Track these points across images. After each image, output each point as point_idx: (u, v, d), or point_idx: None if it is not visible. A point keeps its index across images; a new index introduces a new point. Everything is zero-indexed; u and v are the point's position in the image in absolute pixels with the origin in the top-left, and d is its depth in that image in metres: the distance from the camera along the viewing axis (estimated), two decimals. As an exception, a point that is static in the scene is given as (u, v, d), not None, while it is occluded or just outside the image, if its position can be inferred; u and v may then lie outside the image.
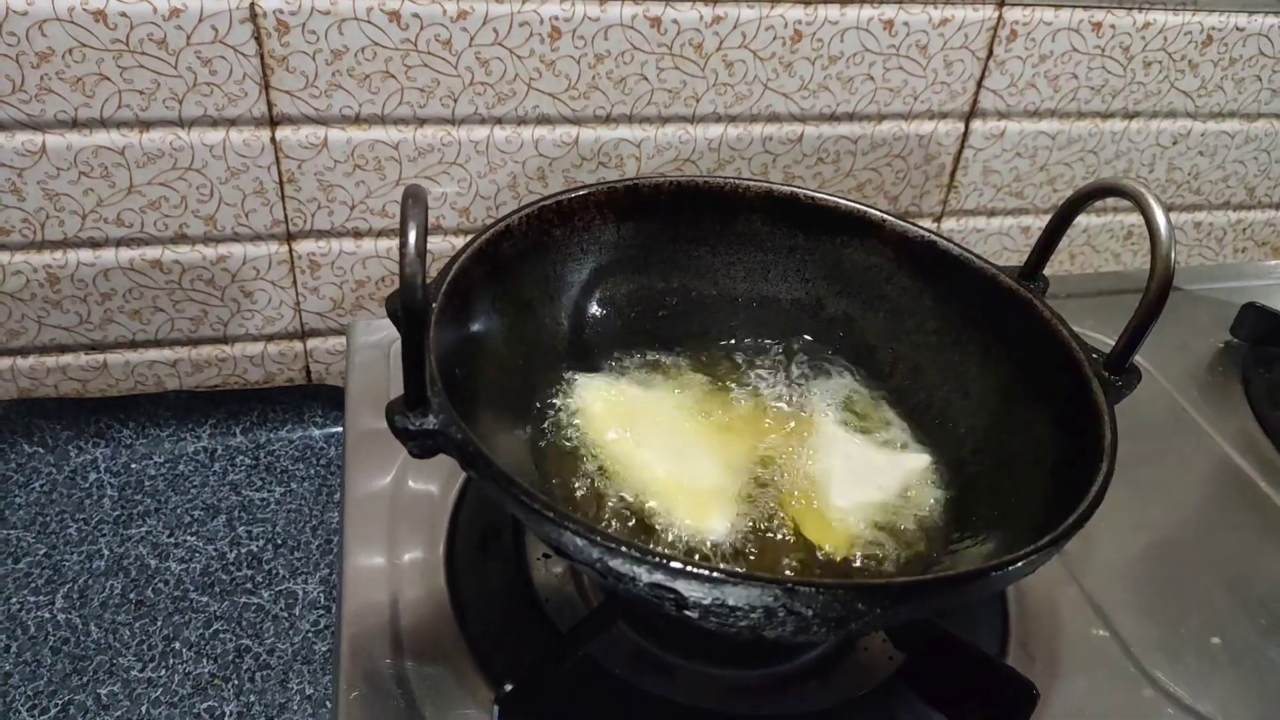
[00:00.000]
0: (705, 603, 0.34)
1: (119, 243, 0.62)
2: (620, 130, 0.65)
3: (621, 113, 0.64)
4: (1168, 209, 0.42)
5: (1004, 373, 0.49)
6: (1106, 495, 0.39)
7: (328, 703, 0.58)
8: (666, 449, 0.48)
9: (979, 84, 0.70)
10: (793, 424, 0.51)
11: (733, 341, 0.57)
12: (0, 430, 0.69)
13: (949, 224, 0.77)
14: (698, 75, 0.64)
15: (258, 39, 0.56)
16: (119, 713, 0.56)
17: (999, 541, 0.43)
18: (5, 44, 0.53)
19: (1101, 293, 0.77)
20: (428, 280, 0.36)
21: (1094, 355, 0.44)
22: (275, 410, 0.74)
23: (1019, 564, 0.34)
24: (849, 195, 0.72)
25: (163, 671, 0.58)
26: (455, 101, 0.61)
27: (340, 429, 0.74)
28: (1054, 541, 0.35)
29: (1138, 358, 0.69)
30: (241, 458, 0.71)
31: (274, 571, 0.64)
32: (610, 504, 0.46)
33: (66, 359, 0.66)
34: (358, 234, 0.66)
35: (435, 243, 0.68)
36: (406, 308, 0.35)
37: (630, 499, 0.46)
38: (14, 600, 0.61)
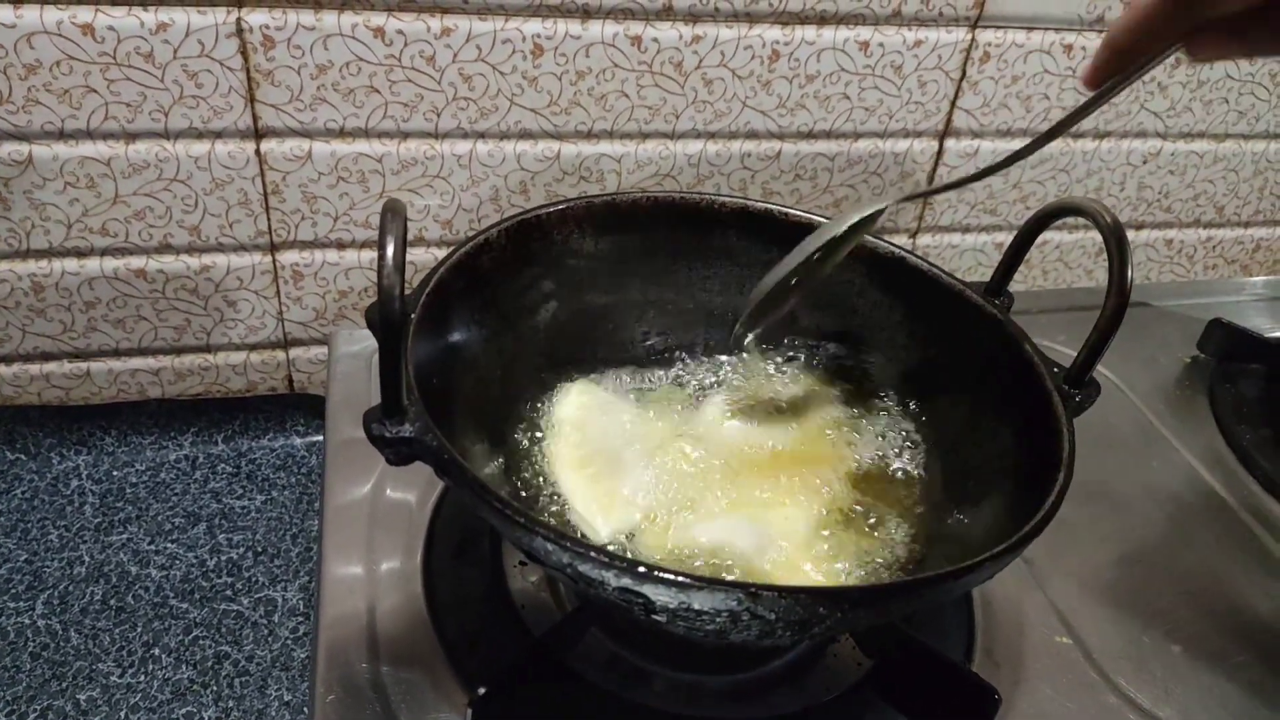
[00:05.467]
0: (672, 607, 0.34)
1: (104, 252, 0.63)
2: (601, 145, 0.66)
3: (602, 128, 0.65)
4: (1124, 227, 0.44)
5: (969, 386, 0.50)
6: (1072, 506, 0.40)
7: (305, 709, 0.58)
8: (607, 453, 0.50)
9: (953, 104, 0.71)
10: (747, 447, 0.51)
11: (706, 355, 0.58)
12: (-18, 437, 0.69)
13: (924, 240, 0.79)
14: (677, 93, 0.65)
15: (243, 53, 0.57)
16: (98, 718, 0.56)
17: (963, 549, 0.44)
18: (-7, 56, 0.54)
19: (1073, 308, 0.79)
20: (406, 291, 0.37)
21: (1055, 369, 0.46)
22: (257, 419, 0.74)
23: (975, 570, 0.35)
24: (825, 211, 0.73)
25: (142, 677, 0.59)
26: (438, 116, 0.62)
27: (322, 438, 0.74)
28: (1010, 549, 0.36)
29: (1108, 373, 0.71)
30: (223, 466, 0.72)
31: (254, 579, 0.65)
32: (540, 500, 0.48)
33: (50, 367, 0.67)
34: (341, 245, 0.66)
35: (418, 255, 0.69)
36: (384, 318, 0.35)
37: (553, 494, 0.48)
38: (-6, 606, 0.61)
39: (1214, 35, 0.36)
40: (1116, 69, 0.38)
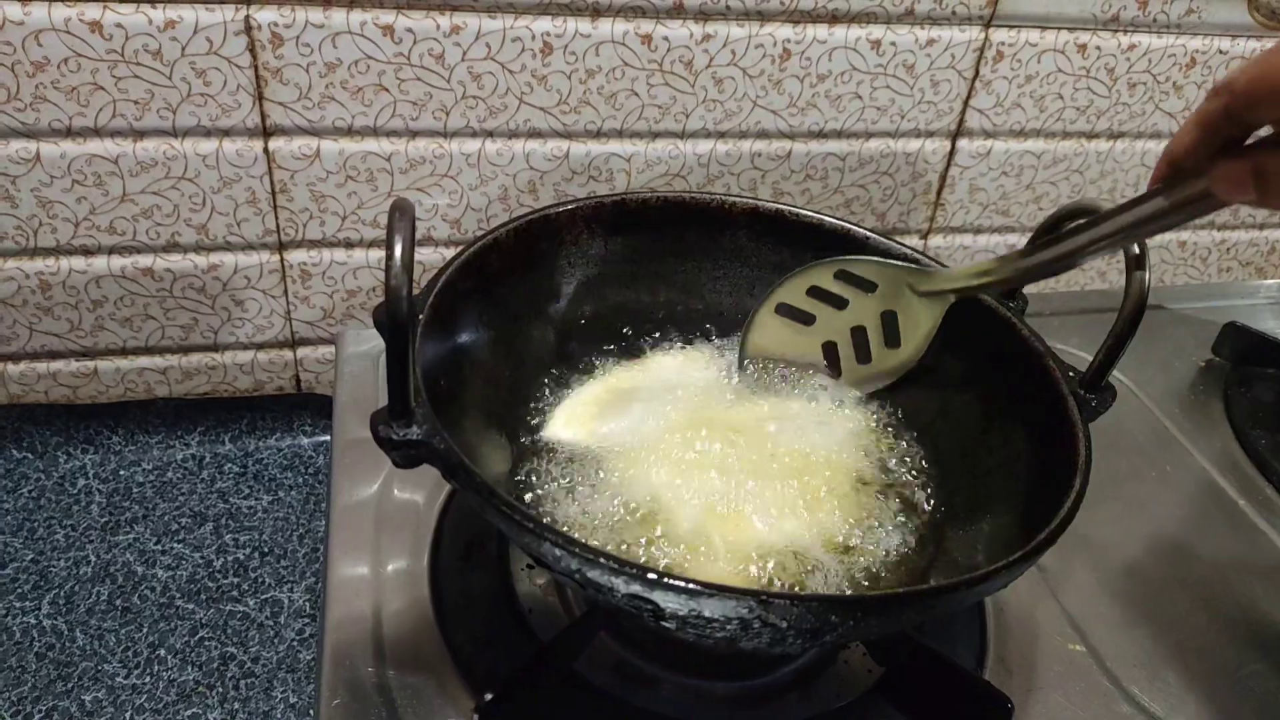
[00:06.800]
0: (682, 614, 0.34)
1: (111, 250, 0.62)
2: (611, 145, 0.66)
3: (612, 127, 0.65)
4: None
5: (983, 390, 0.50)
6: (1085, 512, 0.39)
7: (311, 711, 0.58)
8: (632, 397, 0.52)
9: (965, 103, 0.70)
10: (748, 448, 0.51)
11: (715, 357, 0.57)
12: (-10, 435, 0.69)
13: (936, 241, 0.78)
14: (688, 91, 0.65)
15: (252, 51, 0.57)
16: (103, 719, 0.56)
17: (976, 556, 0.43)
18: (1, 53, 0.54)
19: (1086, 311, 0.78)
20: (414, 292, 0.36)
21: (1070, 374, 0.45)
22: (264, 418, 0.74)
23: (989, 579, 0.35)
24: (836, 212, 0.73)
25: (148, 679, 0.58)
26: (447, 114, 0.62)
27: (329, 438, 0.74)
28: (1025, 557, 0.36)
29: (1121, 376, 0.70)
30: (230, 465, 0.71)
31: (260, 580, 0.64)
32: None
33: (57, 365, 0.67)
34: (349, 244, 0.66)
35: (426, 254, 0.68)
36: (392, 319, 0.35)
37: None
38: (0, 606, 0.61)
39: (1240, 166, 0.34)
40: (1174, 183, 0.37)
